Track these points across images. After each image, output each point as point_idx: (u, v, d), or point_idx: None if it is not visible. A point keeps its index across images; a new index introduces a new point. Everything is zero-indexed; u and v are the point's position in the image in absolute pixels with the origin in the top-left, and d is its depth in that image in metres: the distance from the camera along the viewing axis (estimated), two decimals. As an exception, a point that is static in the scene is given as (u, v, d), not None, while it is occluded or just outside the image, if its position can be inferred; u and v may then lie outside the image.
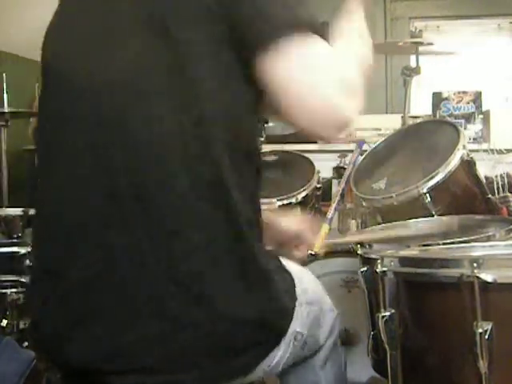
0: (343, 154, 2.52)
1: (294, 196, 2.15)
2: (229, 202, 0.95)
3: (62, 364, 1.04)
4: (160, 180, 0.95)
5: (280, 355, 1.07)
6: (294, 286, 1.08)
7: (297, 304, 1.07)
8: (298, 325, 1.08)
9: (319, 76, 0.94)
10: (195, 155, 0.94)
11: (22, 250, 1.67)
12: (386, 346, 1.20)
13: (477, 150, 2.52)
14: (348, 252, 1.88)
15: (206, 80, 0.94)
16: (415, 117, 2.99)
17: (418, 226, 1.68)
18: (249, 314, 0.98)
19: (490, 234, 1.41)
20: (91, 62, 1.02)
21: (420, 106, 3.77)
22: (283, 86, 0.94)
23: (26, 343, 1.63)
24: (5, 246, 1.74)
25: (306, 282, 1.19)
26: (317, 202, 2.36)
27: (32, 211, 2.00)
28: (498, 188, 2.09)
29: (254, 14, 0.92)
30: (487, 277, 1.04)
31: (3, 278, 1.68)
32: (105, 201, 0.97)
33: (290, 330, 1.06)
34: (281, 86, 0.94)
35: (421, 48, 2.54)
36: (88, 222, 0.98)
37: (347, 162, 2.43)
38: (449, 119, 2.87)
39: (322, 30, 0.95)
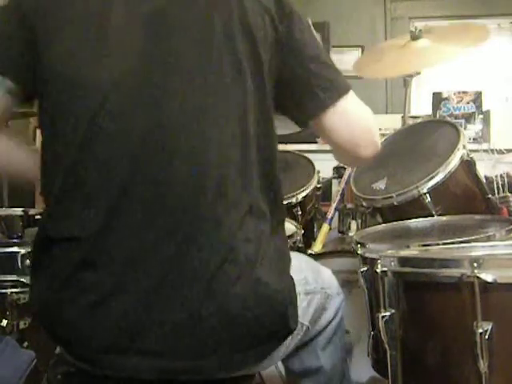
0: (343, 154, 2.51)
1: (294, 196, 2.15)
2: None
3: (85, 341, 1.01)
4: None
5: (284, 344, 1.08)
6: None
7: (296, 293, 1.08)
8: (299, 314, 1.09)
9: (369, 119, 1.19)
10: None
11: (22, 250, 1.67)
12: (386, 346, 1.20)
13: (477, 150, 2.52)
14: (348, 252, 1.88)
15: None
16: (415, 117, 2.99)
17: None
18: (278, 302, 1.01)
19: (490, 234, 1.41)
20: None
21: (420, 106, 3.77)
22: (347, 134, 1.15)
23: (26, 343, 1.62)
24: (5, 246, 1.73)
25: (305, 270, 1.20)
26: (317, 202, 2.36)
27: (33, 211, 2.00)
28: (498, 188, 2.09)
29: (312, 79, 1.09)
30: (487, 277, 1.05)
31: (3, 278, 1.67)
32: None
33: None
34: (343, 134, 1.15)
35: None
36: None
37: (347, 161, 2.43)
38: (449, 119, 2.86)
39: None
